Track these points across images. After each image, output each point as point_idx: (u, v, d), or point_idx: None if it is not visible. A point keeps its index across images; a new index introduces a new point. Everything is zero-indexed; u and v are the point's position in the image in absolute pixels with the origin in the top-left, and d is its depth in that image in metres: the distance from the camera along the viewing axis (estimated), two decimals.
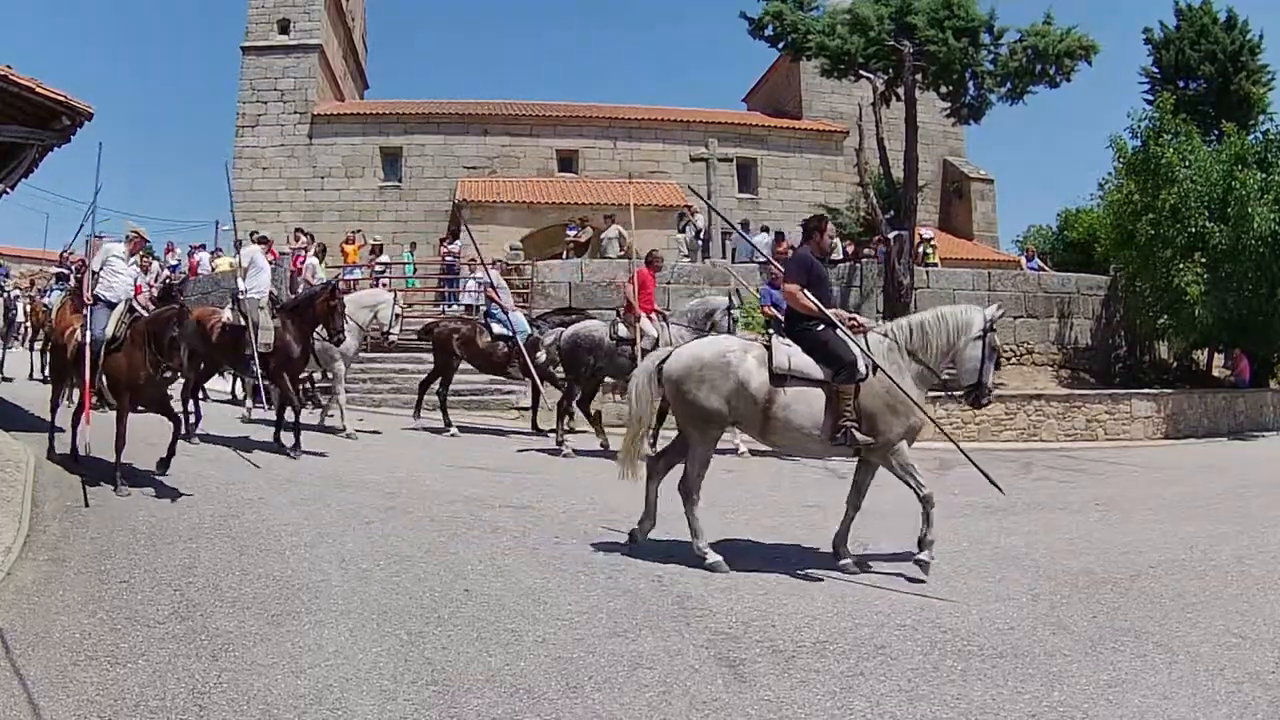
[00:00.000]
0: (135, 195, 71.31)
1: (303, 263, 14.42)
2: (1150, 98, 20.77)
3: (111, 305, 6.82)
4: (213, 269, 17.19)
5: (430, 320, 12.99)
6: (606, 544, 5.55)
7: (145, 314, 6.78)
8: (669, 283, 14.51)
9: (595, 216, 19.15)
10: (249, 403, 10.67)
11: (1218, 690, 3.51)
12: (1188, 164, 14.84)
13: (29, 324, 15.72)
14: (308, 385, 9.97)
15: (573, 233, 18.38)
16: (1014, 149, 66.63)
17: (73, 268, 13.66)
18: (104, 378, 6.60)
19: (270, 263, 10.05)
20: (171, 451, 6.70)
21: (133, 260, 7.39)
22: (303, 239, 15.01)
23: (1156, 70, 22.75)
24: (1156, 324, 15.53)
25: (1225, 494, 8.49)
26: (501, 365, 10.94)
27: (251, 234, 15.88)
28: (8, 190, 8.57)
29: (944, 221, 27.94)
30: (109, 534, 5.31)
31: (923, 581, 4.88)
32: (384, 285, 16.81)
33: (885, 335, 5.28)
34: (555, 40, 74.80)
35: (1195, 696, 3.45)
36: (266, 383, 8.90)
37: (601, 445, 9.83)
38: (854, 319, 5.36)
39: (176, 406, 7.37)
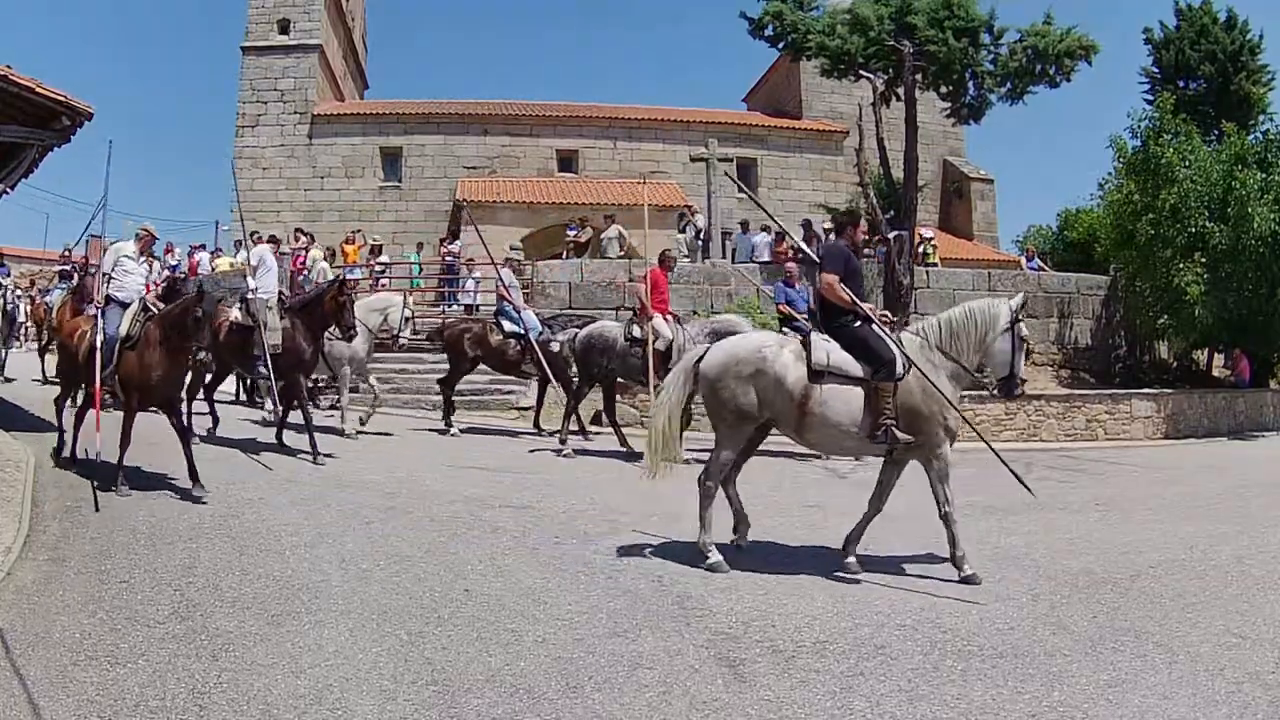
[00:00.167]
0: (135, 195, 71.33)
1: (303, 262, 14.43)
2: (1150, 98, 20.77)
3: (124, 305, 6.79)
4: (213, 269, 17.19)
5: (441, 322, 12.96)
6: (606, 544, 5.55)
7: (158, 310, 6.70)
8: (669, 283, 14.48)
9: (595, 216, 19.15)
10: (268, 404, 10.59)
11: (1218, 690, 3.51)
12: (1188, 164, 14.84)
13: (30, 323, 15.71)
14: (309, 386, 9.94)
15: (573, 233, 18.38)
16: (1014, 149, 66.64)
17: (76, 266, 13.64)
18: (117, 377, 6.54)
19: None
20: (190, 463, 6.44)
21: (143, 259, 7.32)
22: (303, 239, 15.02)
23: (1156, 70, 22.75)
24: (1156, 324, 15.53)
25: (1225, 494, 8.49)
26: (515, 364, 10.90)
27: (252, 234, 15.90)
28: (8, 190, 8.57)
29: (944, 221, 27.93)
30: (109, 534, 5.31)
31: (976, 583, 4.85)
32: (384, 285, 16.83)
33: (917, 333, 5.27)
34: (555, 40, 74.82)
35: (1195, 696, 3.45)
36: (276, 383, 8.82)
37: (585, 438, 9.87)
38: (886, 315, 5.35)
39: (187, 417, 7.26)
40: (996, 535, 6.20)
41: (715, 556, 5.05)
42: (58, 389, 7.79)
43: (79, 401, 7.42)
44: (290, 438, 8.68)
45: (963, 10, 16.10)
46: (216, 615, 4.06)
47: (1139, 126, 15.76)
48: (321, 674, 3.48)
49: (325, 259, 14.50)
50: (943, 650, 3.89)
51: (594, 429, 11.00)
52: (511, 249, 18.31)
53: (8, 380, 13.23)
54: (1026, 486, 5.24)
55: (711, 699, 3.37)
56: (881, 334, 5.12)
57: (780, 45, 17.95)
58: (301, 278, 13.98)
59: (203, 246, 19.42)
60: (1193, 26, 22.10)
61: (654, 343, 9.36)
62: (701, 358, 5.30)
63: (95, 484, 6.10)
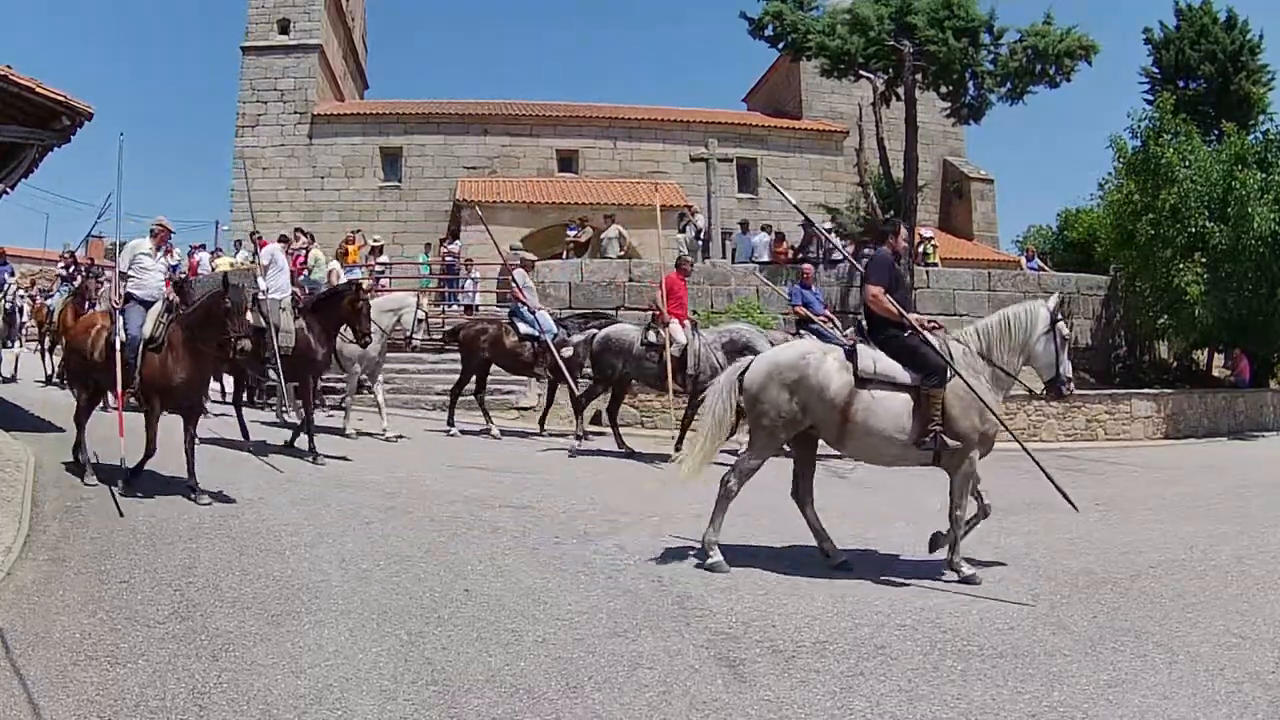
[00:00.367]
0: (135, 195, 71.41)
1: (302, 262, 14.43)
2: (1150, 98, 20.78)
3: (145, 304, 6.60)
4: (213, 269, 17.18)
5: (451, 323, 12.92)
6: (606, 544, 5.55)
7: (182, 310, 6.53)
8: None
9: (595, 216, 19.16)
10: (286, 405, 10.54)
11: (1218, 690, 3.51)
12: (1188, 164, 14.85)
13: (33, 322, 15.69)
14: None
15: (573, 233, 18.40)
16: (1014, 149, 66.68)
17: (81, 269, 13.62)
18: (140, 379, 6.34)
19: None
20: (191, 469, 6.36)
21: (160, 254, 7.15)
22: (303, 239, 15.02)
23: (1156, 70, 22.76)
24: (1156, 324, 15.54)
25: (1225, 494, 8.49)
26: (529, 365, 10.87)
27: (252, 234, 15.89)
28: (8, 190, 8.56)
29: (944, 221, 27.94)
30: (109, 534, 5.30)
31: (975, 584, 4.88)
32: (383, 286, 16.82)
33: (958, 340, 5.27)
34: (555, 40, 74.85)
35: (1195, 696, 3.45)
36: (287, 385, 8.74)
37: (577, 436, 9.87)
38: (933, 323, 5.34)
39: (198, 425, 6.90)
40: (996, 535, 6.20)
41: (717, 556, 5.05)
42: (60, 390, 7.65)
43: (103, 405, 7.17)
44: (295, 440, 8.65)
45: (963, 10, 16.12)
46: (216, 615, 4.06)
47: (1139, 126, 15.79)
48: (321, 674, 3.48)
49: (338, 255, 14.49)
50: (943, 650, 3.89)
51: (594, 429, 11.00)
52: (512, 249, 18.33)
53: (6, 381, 13.22)
54: (1069, 500, 5.26)
55: (711, 699, 3.37)
56: (929, 341, 5.11)
57: (780, 45, 17.98)
58: (301, 278, 13.97)
59: (203, 246, 19.38)
60: (1193, 26, 22.11)
61: (670, 348, 9.34)
62: (745, 370, 5.29)
63: (117, 490, 6.09)
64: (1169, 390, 14.96)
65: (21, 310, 14.60)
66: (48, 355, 13.68)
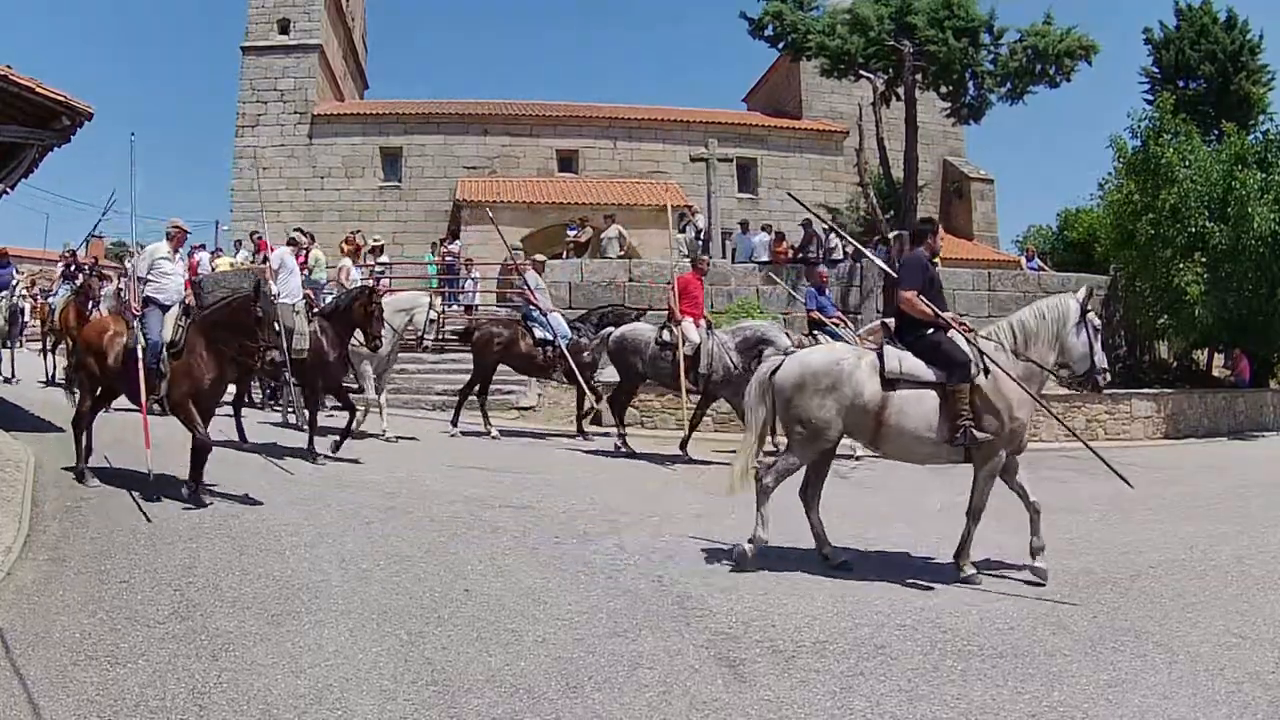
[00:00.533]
0: (135, 195, 71.22)
1: (303, 262, 14.40)
2: (1150, 98, 20.80)
3: (163, 308, 6.54)
4: (213, 269, 17.17)
5: (469, 323, 12.86)
6: (606, 544, 5.55)
7: (200, 313, 6.47)
8: (667, 283, 14.49)
9: (595, 216, 19.16)
10: (294, 408, 10.48)
11: (1218, 690, 3.51)
12: (1188, 164, 14.84)
13: (36, 321, 15.69)
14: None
15: (573, 233, 18.39)
16: (1014, 149, 66.74)
17: (85, 268, 13.60)
18: (165, 385, 6.28)
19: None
20: (197, 475, 6.28)
21: (179, 256, 7.08)
22: (303, 239, 14.99)
23: (1156, 70, 22.77)
24: (1156, 324, 15.52)
25: (1225, 494, 8.49)
26: (544, 369, 10.83)
27: (252, 234, 15.90)
28: (8, 190, 8.56)
29: (944, 221, 27.64)
30: (109, 534, 5.30)
31: (976, 584, 4.91)
32: (383, 285, 16.81)
33: (989, 337, 5.26)
34: (555, 40, 74.92)
35: (1195, 696, 3.45)
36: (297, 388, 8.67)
37: (581, 434, 9.95)
38: (964, 323, 5.33)
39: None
40: (996, 535, 6.20)
41: (751, 550, 5.03)
42: (61, 391, 7.59)
43: (73, 402, 7.17)
44: (316, 442, 8.51)
45: (963, 10, 16.13)
46: (216, 615, 4.06)
47: (1139, 126, 15.77)
48: (321, 674, 3.48)
49: (349, 253, 14.48)
50: (943, 650, 3.89)
51: (593, 429, 11.00)
52: (512, 249, 18.33)
53: (7, 380, 13.21)
54: (1126, 481, 5.29)
55: (711, 699, 3.37)
56: (956, 339, 5.10)
57: (780, 45, 18.00)
58: (302, 277, 13.95)
59: (203, 246, 19.36)
60: (1193, 26, 22.12)
61: (683, 347, 9.35)
62: (775, 370, 5.27)
63: (140, 496, 6.07)
64: (1169, 390, 14.94)
65: (24, 310, 14.60)
66: (49, 355, 13.66)
